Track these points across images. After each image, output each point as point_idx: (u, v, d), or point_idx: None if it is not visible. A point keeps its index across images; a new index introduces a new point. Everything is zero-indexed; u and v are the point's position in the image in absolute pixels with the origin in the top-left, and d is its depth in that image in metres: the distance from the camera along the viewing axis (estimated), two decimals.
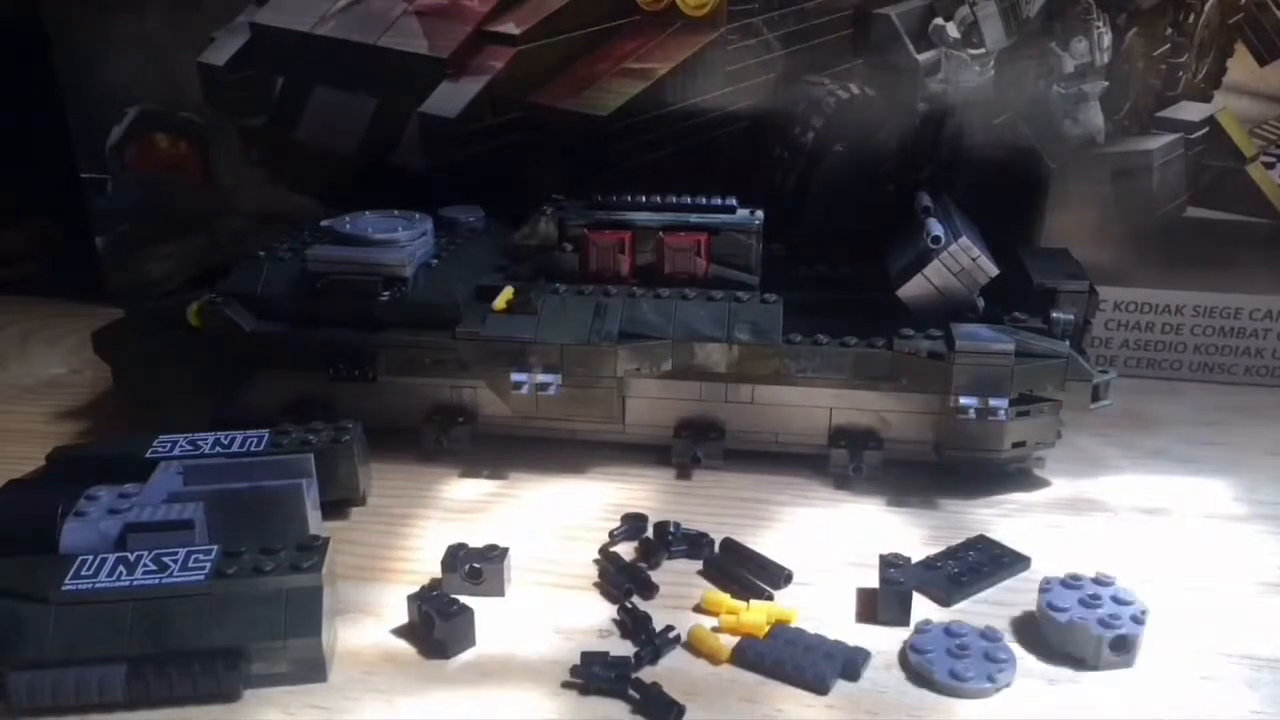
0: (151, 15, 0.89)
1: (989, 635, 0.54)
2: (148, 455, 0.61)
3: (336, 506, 0.65)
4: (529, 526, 0.65)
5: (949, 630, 0.54)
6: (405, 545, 0.63)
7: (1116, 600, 0.55)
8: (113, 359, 0.77)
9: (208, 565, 0.52)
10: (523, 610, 0.58)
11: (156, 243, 0.96)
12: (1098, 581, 0.56)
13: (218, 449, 0.62)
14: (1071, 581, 0.56)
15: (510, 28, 0.84)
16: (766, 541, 0.63)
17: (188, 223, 0.95)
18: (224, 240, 0.93)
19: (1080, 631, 0.53)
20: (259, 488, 0.58)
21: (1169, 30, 0.79)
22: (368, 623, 0.56)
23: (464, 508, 0.67)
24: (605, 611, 0.57)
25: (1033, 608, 0.57)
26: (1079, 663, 0.53)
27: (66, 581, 0.50)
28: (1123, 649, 0.53)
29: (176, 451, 0.62)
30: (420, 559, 0.62)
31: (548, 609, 0.58)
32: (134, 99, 0.92)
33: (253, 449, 0.62)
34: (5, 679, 0.49)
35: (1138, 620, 0.53)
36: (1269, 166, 0.82)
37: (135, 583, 0.51)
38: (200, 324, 0.71)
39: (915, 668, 0.53)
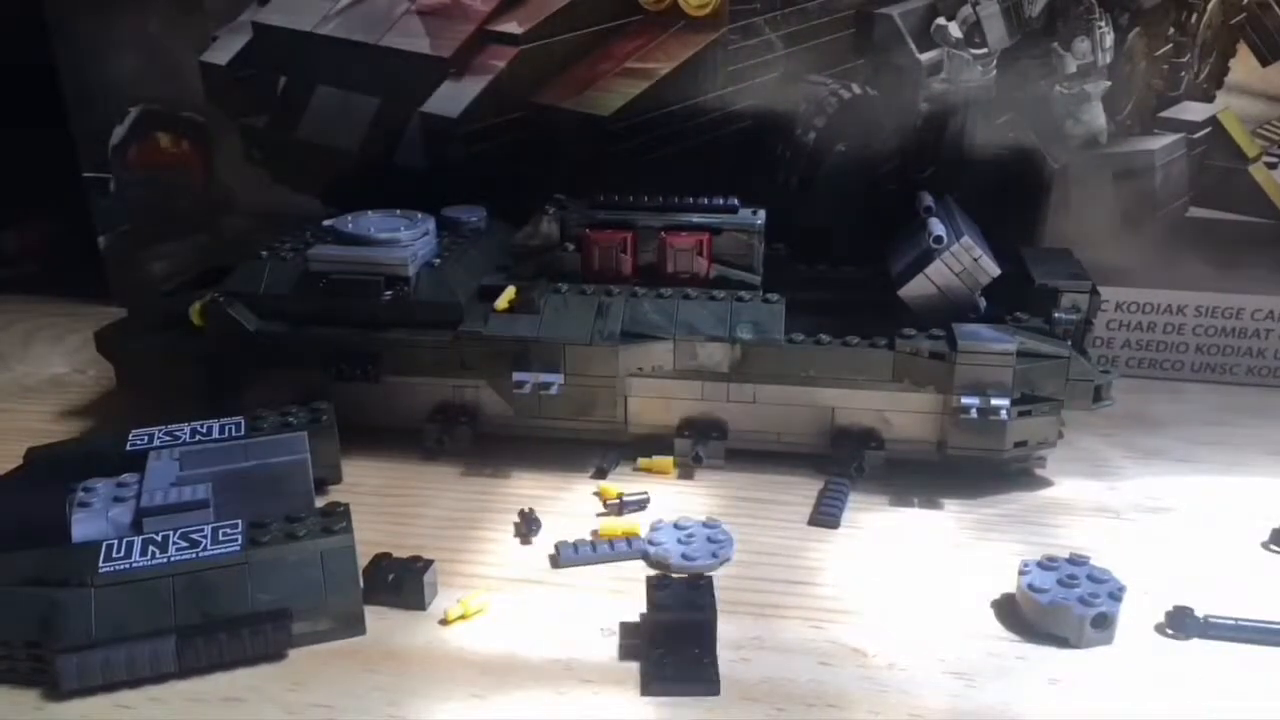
0: (154, 14, 0.89)
1: (1079, 561, 0.58)
2: (127, 449, 0.62)
3: (318, 485, 0.66)
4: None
5: (1042, 565, 0.58)
6: (406, 546, 0.63)
7: (1093, 579, 0.56)
8: (116, 358, 0.77)
9: (239, 537, 0.54)
10: (523, 609, 0.58)
11: (158, 242, 0.96)
12: (1072, 561, 0.58)
13: (197, 437, 0.63)
14: (1048, 563, 0.57)
15: (512, 27, 0.84)
16: (769, 541, 0.63)
17: (190, 222, 0.95)
18: (226, 240, 0.93)
19: (1062, 612, 0.55)
20: (267, 465, 0.59)
21: (1171, 30, 0.79)
22: (372, 621, 0.56)
23: (465, 507, 0.67)
24: (605, 609, 0.57)
25: (1010, 589, 0.58)
26: (1061, 642, 0.55)
27: (100, 565, 0.52)
28: (1103, 626, 0.54)
29: (155, 442, 0.62)
30: (422, 553, 0.61)
31: (548, 608, 0.58)
32: (136, 98, 0.92)
33: (233, 434, 0.63)
34: (53, 663, 0.50)
35: (1115, 597, 0.55)
36: (1271, 167, 0.82)
37: (172, 559, 0.53)
38: (203, 323, 0.71)
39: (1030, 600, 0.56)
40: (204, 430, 0.63)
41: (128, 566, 0.52)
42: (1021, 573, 0.57)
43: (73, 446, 0.67)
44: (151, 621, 0.51)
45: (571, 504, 0.67)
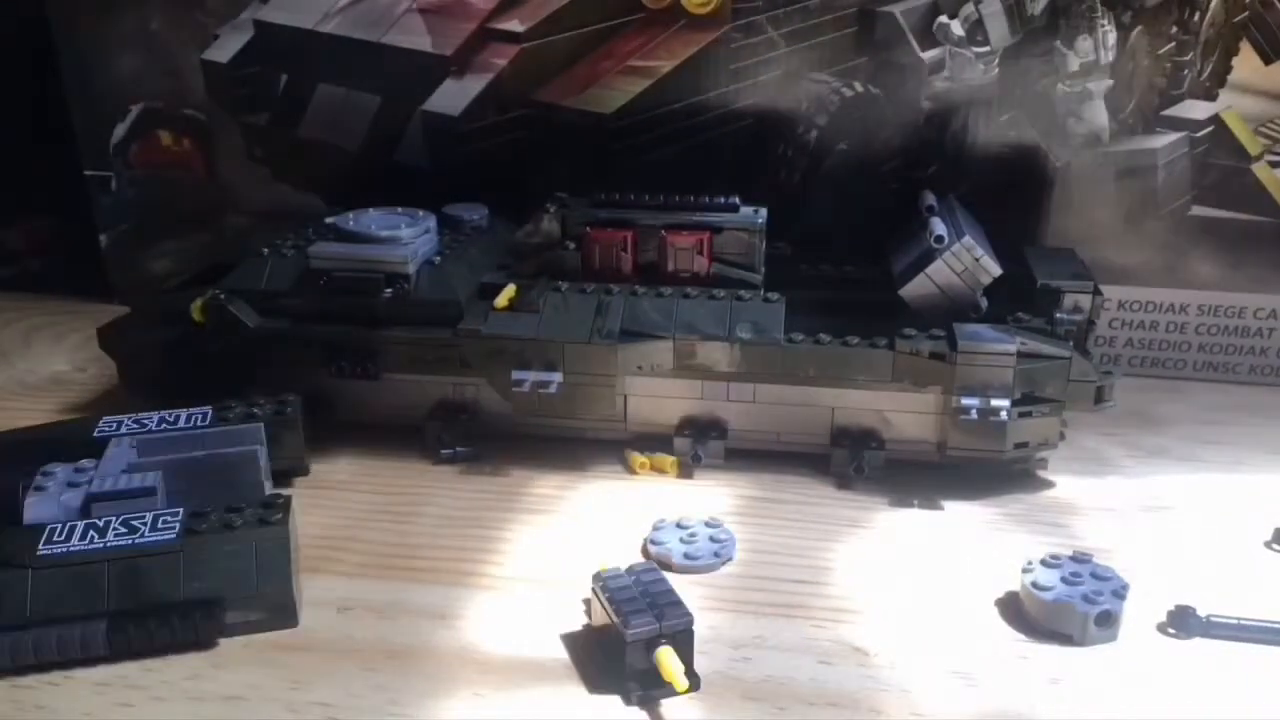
0: (155, 12, 0.89)
1: (1083, 559, 0.58)
2: (95, 435, 0.62)
3: (284, 477, 0.67)
4: (528, 525, 0.65)
5: (1045, 563, 0.58)
6: (408, 543, 0.63)
7: (1096, 577, 0.57)
8: (118, 355, 0.77)
9: (177, 525, 0.55)
10: (521, 609, 0.58)
11: (160, 240, 0.96)
12: (1076, 559, 0.58)
13: (164, 425, 0.63)
14: (1052, 561, 0.58)
15: (514, 25, 0.84)
16: (769, 540, 0.63)
17: (191, 220, 0.95)
18: (228, 238, 0.93)
19: (1066, 610, 0.55)
20: (217, 454, 0.60)
21: (1174, 28, 0.79)
22: (373, 620, 0.56)
23: (465, 505, 0.67)
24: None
25: (1011, 589, 0.58)
26: (1065, 639, 0.55)
27: (40, 548, 0.53)
28: (1107, 624, 0.55)
29: (123, 430, 0.63)
30: (423, 555, 0.62)
31: (546, 607, 0.58)
32: (138, 96, 0.92)
33: (199, 424, 0.64)
34: None
35: (1119, 595, 0.55)
36: (1274, 165, 0.81)
37: (109, 545, 0.54)
38: (204, 320, 0.71)
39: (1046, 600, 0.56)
40: (171, 419, 0.64)
41: (65, 550, 0.53)
42: (1025, 570, 0.57)
43: (39, 432, 0.67)
44: (85, 605, 0.52)
45: (572, 502, 0.67)
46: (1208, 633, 0.55)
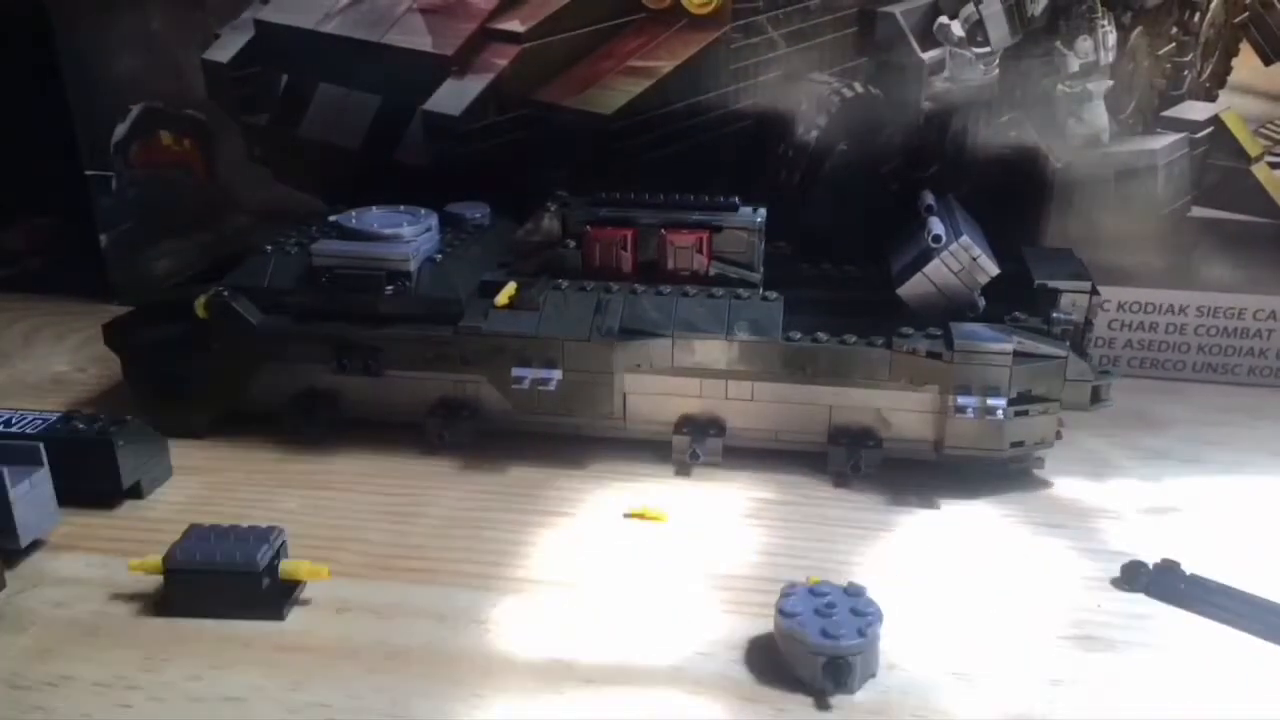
0: (156, 12, 0.89)
1: (852, 590, 0.53)
2: None
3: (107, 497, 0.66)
4: (528, 524, 0.65)
5: (813, 591, 0.53)
6: (407, 543, 0.63)
7: (855, 613, 0.51)
8: (122, 351, 0.77)
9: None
10: (520, 608, 0.58)
11: (160, 240, 0.96)
12: (848, 593, 0.53)
13: None
14: (819, 589, 0.53)
15: (514, 25, 0.84)
16: (768, 541, 0.63)
17: (192, 220, 0.95)
18: (228, 237, 0.93)
19: (798, 644, 0.50)
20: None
21: (1174, 29, 0.79)
22: (373, 620, 0.56)
23: (465, 505, 0.67)
24: (608, 608, 0.57)
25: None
26: (798, 683, 0.51)
27: None
28: (840, 676, 0.49)
29: None
30: (423, 555, 0.62)
31: (546, 606, 0.58)
32: (139, 96, 0.92)
33: (32, 429, 0.64)
34: None
35: (862, 633, 0.50)
36: (1274, 166, 0.81)
37: None
38: (207, 316, 0.71)
39: (787, 632, 0.51)
40: (3, 419, 0.65)
41: None
42: (783, 595, 0.53)
43: None
44: None
45: (571, 501, 0.68)
46: (1150, 591, 0.57)
